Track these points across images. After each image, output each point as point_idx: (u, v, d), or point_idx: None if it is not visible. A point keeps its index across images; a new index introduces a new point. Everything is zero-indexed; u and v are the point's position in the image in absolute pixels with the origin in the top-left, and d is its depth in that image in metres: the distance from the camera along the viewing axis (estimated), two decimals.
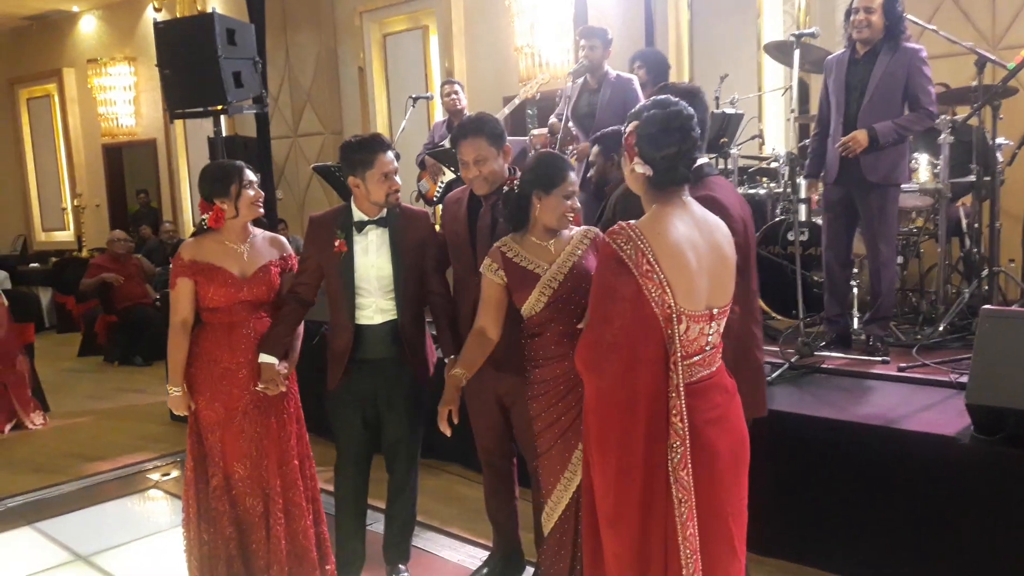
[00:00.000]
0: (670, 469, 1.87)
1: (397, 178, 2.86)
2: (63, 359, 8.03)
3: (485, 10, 7.92)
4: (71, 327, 9.17)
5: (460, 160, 2.79)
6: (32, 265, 10.87)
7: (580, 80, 4.68)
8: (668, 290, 1.85)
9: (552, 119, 4.86)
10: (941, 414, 3.11)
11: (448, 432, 2.63)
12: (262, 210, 2.94)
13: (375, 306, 2.88)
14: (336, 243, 2.85)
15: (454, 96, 5.82)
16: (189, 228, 9.79)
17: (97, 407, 6.19)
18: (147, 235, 9.76)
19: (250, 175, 2.91)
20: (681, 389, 1.87)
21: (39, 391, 5.91)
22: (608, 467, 1.90)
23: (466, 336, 2.72)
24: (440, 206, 5.10)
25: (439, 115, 8.28)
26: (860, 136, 3.71)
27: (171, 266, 2.94)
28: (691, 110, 2.00)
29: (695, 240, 1.92)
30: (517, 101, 5.42)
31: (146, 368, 7.38)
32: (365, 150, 2.81)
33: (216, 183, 2.87)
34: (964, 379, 3.22)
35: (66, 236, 12.05)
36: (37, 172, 12.52)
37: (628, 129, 1.99)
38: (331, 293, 2.92)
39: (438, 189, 5.65)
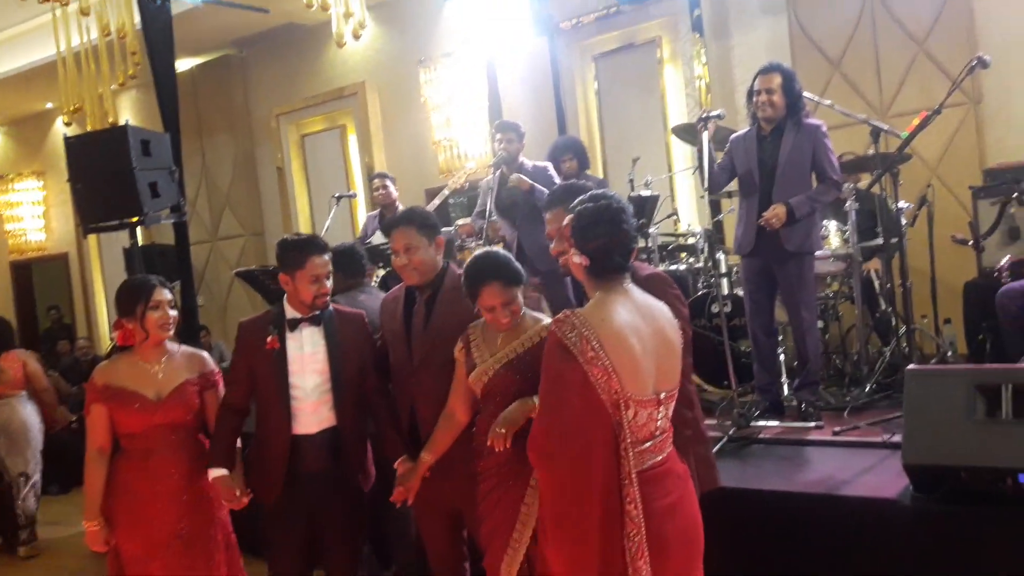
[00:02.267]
0: (628, 559, 1.83)
1: (328, 281, 2.82)
2: None
3: (401, 107, 8.08)
4: None
5: (392, 249, 2.80)
6: None
7: (498, 172, 4.79)
8: (614, 376, 1.86)
9: (469, 219, 4.97)
10: (880, 476, 3.15)
11: (398, 503, 2.64)
12: (170, 332, 2.84)
13: (311, 413, 2.78)
14: (268, 339, 2.77)
15: (383, 191, 5.84)
16: (106, 343, 9.43)
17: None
18: (64, 351, 9.33)
19: (161, 295, 2.81)
20: (633, 476, 1.86)
21: None
22: (563, 556, 1.88)
23: (411, 434, 2.70)
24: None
25: (362, 212, 8.31)
26: (780, 211, 3.86)
27: (86, 391, 2.81)
28: (622, 203, 2.06)
29: (638, 326, 1.95)
30: (447, 192, 5.48)
31: (62, 496, 6.93)
32: (298, 250, 2.79)
33: (122, 302, 2.79)
34: (897, 438, 3.29)
35: None
36: None
37: (565, 222, 2.06)
38: (262, 399, 2.81)
39: (376, 279, 5.60)
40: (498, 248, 2.91)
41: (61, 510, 6.47)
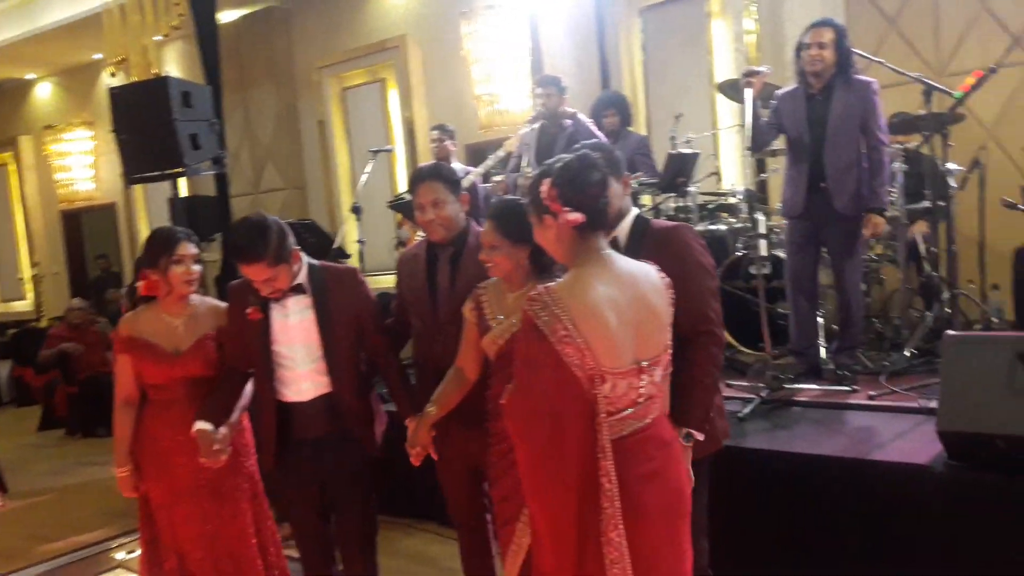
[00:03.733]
0: (601, 530, 1.83)
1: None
2: (23, 434, 7.79)
3: (443, 61, 8.00)
4: (30, 400, 8.90)
5: (416, 204, 2.74)
6: None
7: (537, 126, 4.73)
8: (588, 352, 1.84)
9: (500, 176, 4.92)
10: (914, 442, 3.10)
11: (417, 463, 2.60)
12: (193, 288, 2.81)
13: (304, 380, 2.71)
14: (249, 310, 2.66)
15: (438, 143, 5.82)
16: None
17: (58, 483, 5.99)
18: (114, 298, 9.56)
19: (185, 249, 2.77)
20: (608, 449, 1.85)
21: None
22: (544, 530, 1.89)
23: (422, 393, 2.69)
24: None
25: (401, 167, 8.31)
26: (877, 221, 3.84)
27: (113, 341, 2.86)
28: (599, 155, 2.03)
29: (614, 297, 1.90)
30: (501, 153, 5.41)
31: (109, 439, 7.11)
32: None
33: (147, 253, 2.79)
34: (933, 404, 3.22)
35: (24, 306, 11.80)
36: None
37: (544, 187, 1.96)
38: (253, 367, 2.75)
39: (418, 237, 5.60)
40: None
41: (107, 451, 6.62)
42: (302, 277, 2.71)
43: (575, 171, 1.96)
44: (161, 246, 2.77)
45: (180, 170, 5.27)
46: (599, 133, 4.68)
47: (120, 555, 4.48)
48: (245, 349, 2.74)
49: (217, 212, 6.89)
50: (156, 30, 7.06)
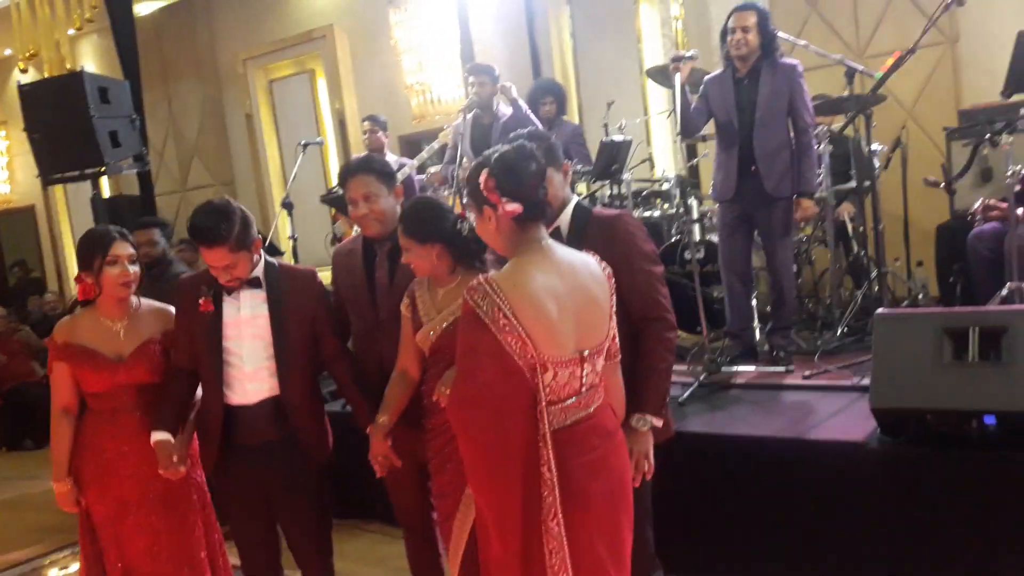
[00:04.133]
0: (541, 519, 1.84)
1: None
2: None
3: (372, 50, 7.87)
4: None
5: (348, 199, 2.68)
6: None
7: (470, 116, 4.69)
8: (528, 342, 1.84)
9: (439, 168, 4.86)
10: (849, 419, 3.17)
11: (383, 474, 2.57)
12: (130, 291, 2.67)
13: (250, 380, 2.61)
14: (201, 300, 2.58)
15: (371, 134, 5.66)
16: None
17: None
18: (35, 305, 9.17)
19: (120, 249, 2.63)
20: (548, 438, 1.86)
21: None
22: (490, 520, 1.88)
23: (379, 397, 2.62)
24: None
25: (333, 159, 8.16)
26: (807, 205, 3.92)
27: (48, 348, 2.70)
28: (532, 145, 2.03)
29: (555, 287, 1.91)
30: (436, 145, 5.35)
31: (37, 452, 6.88)
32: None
33: (80, 255, 2.66)
34: (866, 382, 3.31)
35: None
36: None
37: (482, 179, 1.94)
38: (199, 365, 2.64)
39: (355, 232, 5.48)
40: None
41: (37, 464, 6.43)
42: (259, 271, 2.65)
43: (512, 161, 1.95)
44: (94, 247, 2.63)
45: (100, 169, 5.08)
46: (535, 120, 4.66)
47: (53, 572, 4.33)
48: (194, 347, 2.64)
49: (142, 211, 6.67)
50: (69, 23, 6.77)
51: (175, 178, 9.15)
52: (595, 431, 1.97)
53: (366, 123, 5.81)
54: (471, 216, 2.07)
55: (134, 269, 2.67)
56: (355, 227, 5.47)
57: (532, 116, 4.69)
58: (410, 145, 7.55)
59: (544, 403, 1.86)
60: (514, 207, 1.92)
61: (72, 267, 10.15)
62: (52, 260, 10.46)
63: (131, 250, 2.68)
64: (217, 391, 2.61)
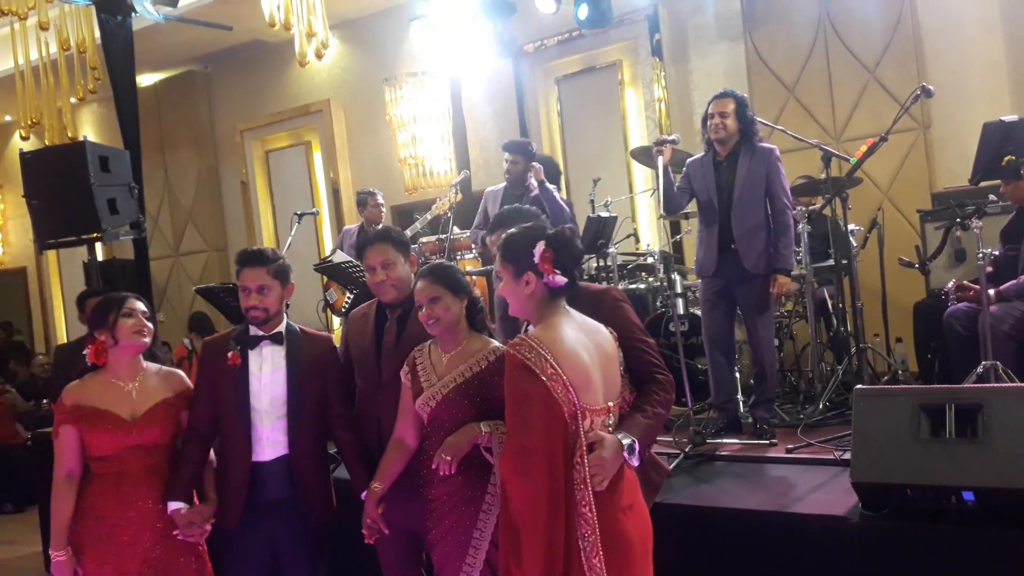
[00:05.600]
0: (583, 558, 1.97)
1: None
2: None
3: (367, 124, 8.09)
4: None
5: (366, 266, 2.80)
6: None
7: (500, 188, 4.87)
8: (571, 389, 2.01)
9: (433, 238, 4.99)
10: (831, 493, 3.21)
11: (371, 540, 2.62)
12: (147, 340, 2.73)
13: (266, 438, 2.72)
14: (230, 354, 2.71)
15: (376, 208, 5.99)
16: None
17: None
18: (15, 370, 9.13)
19: (134, 304, 2.72)
20: (588, 481, 2.01)
21: None
22: (534, 568, 1.95)
23: (376, 459, 2.69)
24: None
25: (327, 229, 8.30)
26: (784, 281, 4.04)
27: (54, 413, 2.70)
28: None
29: (584, 342, 2.11)
30: (429, 216, 5.55)
31: (17, 516, 6.77)
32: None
33: (96, 315, 2.70)
34: (848, 456, 3.37)
35: None
36: None
37: (540, 249, 2.13)
38: (223, 421, 2.73)
39: (346, 300, 5.57)
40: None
41: (16, 529, 6.34)
42: (281, 327, 2.78)
43: (568, 240, 2.18)
44: (109, 305, 2.69)
45: (97, 235, 5.15)
46: (562, 202, 4.82)
47: None
48: (217, 405, 2.72)
49: (136, 276, 6.72)
50: (72, 93, 6.94)
51: (169, 243, 9.24)
52: (623, 479, 2.12)
53: (370, 197, 6.02)
54: (499, 277, 2.23)
55: (149, 324, 2.74)
56: (346, 294, 5.61)
57: (557, 196, 4.86)
58: (402, 215, 7.72)
59: (584, 448, 2.01)
60: (560, 280, 2.12)
61: (61, 330, 10.14)
62: (41, 322, 10.44)
63: (144, 307, 2.75)
64: (245, 445, 2.69)
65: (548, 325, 2.11)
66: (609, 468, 2.07)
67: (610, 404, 2.14)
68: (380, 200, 6.06)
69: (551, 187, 4.94)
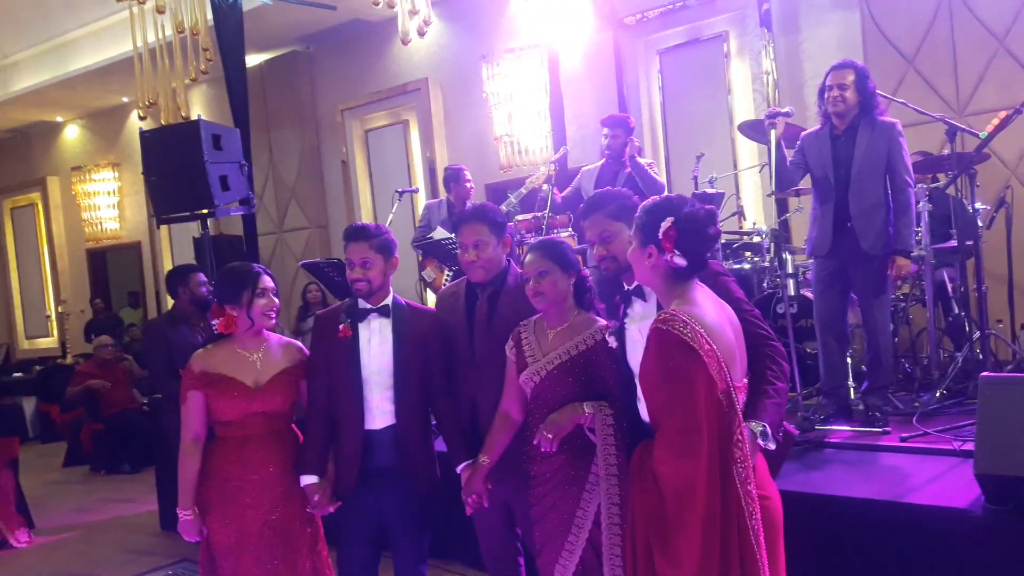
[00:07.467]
0: (752, 537, 1.91)
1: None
2: (48, 471, 7.84)
3: (463, 102, 8.13)
4: (55, 437, 8.98)
5: (459, 243, 2.81)
6: (15, 375, 10.72)
7: (598, 165, 4.83)
8: (724, 366, 1.94)
9: (529, 215, 4.99)
10: (950, 484, 3.06)
11: (472, 512, 2.64)
12: (274, 320, 2.83)
13: (376, 407, 2.79)
14: (341, 327, 2.78)
15: (470, 183, 6.01)
16: None
17: (84, 520, 6.00)
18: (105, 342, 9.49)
19: (266, 282, 2.79)
20: (751, 459, 1.96)
21: (23, 507, 5.73)
22: (692, 548, 1.89)
23: (472, 429, 2.73)
24: None
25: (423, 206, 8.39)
26: (903, 263, 3.87)
27: (182, 379, 2.79)
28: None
29: (724, 317, 2.06)
30: (523, 191, 5.54)
31: (134, 476, 7.20)
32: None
33: (228, 288, 2.77)
34: (968, 446, 3.20)
35: (50, 343, 11.95)
36: (20, 280, 12.50)
37: (665, 226, 2.05)
38: (336, 393, 2.80)
39: (446, 279, 5.62)
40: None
41: (134, 488, 6.74)
42: (388, 300, 2.85)
43: (700, 222, 2.07)
44: (243, 280, 2.76)
45: (209, 211, 5.35)
46: (656, 176, 4.73)
47: None
48: (330, 377, 2.81)
49: (244, 251, 6.97)
50: (185, 74, 7.22)
51: (273, 220, 9.56)
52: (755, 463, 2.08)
53: (463, 173, 6.01)
54: (632, 243, 2.17)
55: (277, 301, 2.84)
56: (446, 273, 5.67)
57: (650, 170, 4.77)
58: (496, 193, 7.72)
59: (743, 426, 1.97)
60: (680, 261, 2.04)
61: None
62: (154, 294, 11.00)
63: (272, 283, 2.84)
64: (358, 415, 2.77)
65: (690, 300, 2.03)
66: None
67: (745, 381, 2.09)
68: (468, 176, 6.04)
69: (645, 161, 4.85)
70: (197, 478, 2.73)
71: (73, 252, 11.93)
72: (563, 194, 5.20)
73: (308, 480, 2.76)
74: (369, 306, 2.84)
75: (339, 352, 2.80)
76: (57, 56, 9.64)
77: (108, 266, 11.82)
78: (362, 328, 2.82)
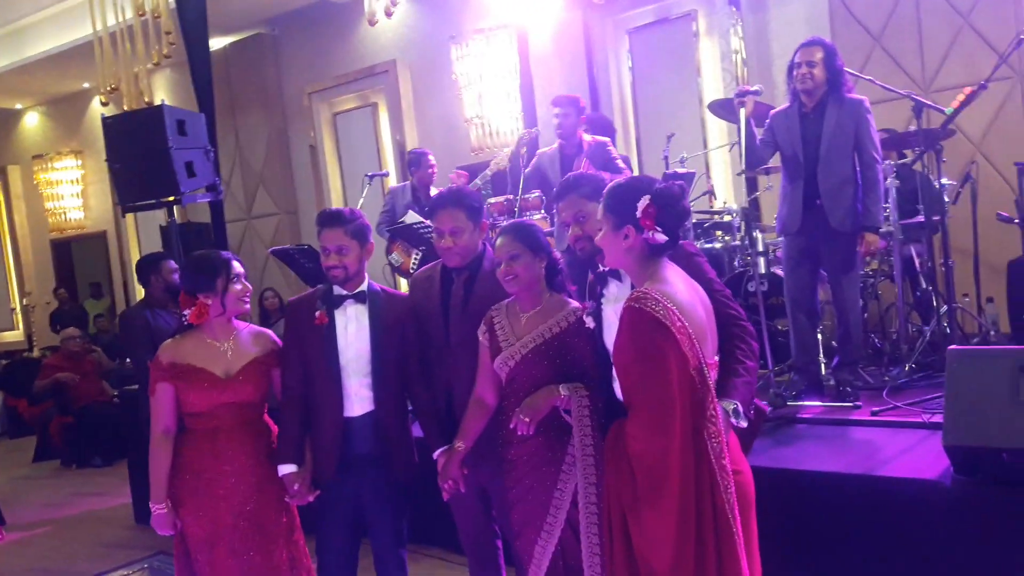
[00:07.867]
0: (727, 509, 1.94)
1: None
2: (17, 466, 7.72)
3: (433, 85, 8.05)
4: (24, 431, 8.82)
5: (435, 230, 2.76)
6: None
7: (556, 147, 4.79)
8: (695, 342, 1.96)
9: (501, 198, 4.96)
10: (920, 457, 3.11)
11: (448, 497, 2.63)
12: (247, 306, 2.79)
13: (355, 394, 2.75)
14: (317, 314, 2.74)
15: (432, 168, 5.89)
16: None
17: (56, 515, 5.92)
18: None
19: (237, 267, 2.76)
20: (724, 435, 1.98)
21: None
22: (667, 524, 1.91)
23: (447, 413, 2.72)
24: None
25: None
26: (872, 239, 3.89)
27: (150, 371, 2.74)
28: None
29: (693, 296, 2.07)
30: (489, 173, 5.49)
31: (106, 469, 7.11)
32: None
33: (200, 276, 2.71)
34: (936, 419, 3.25)
35: (16, 336, 11.72)
36: None
37: (643, 204, 2.06)
38: (313, 380, 2.77)
39: (413, 262, 5.57)
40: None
41: (106, 481, 6.66)
42: (364, 287, 2.81)
43: (674, 198, 2.09)
44: (216, 267, 2.72)
45: (175, 198, 5.26)
46: (617, 156, 4.70)
47: None
48: (305, 365, 2.77)
49: (211, 238, 6.87)
50: (148, 59, 7.08)
51: (241, 206, 9.43)
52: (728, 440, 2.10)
53: (427, 157, 5.94)
54: (601, 228, 2.17)
55: (250, 286, 2.81)
56: (412, 255, 5.63)
57: (614, 151, 4.74)
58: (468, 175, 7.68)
59: (716, 401, 1.99)
60: (661, 237, 2.06)
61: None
62: (121, 285, 10.83)
63: (243, 269, 2.80)
64: (337, 403, 2.74)
65: (660, 279, 2.04)
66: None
67: (716, 358, 2.10)
68: (432, 160, 5.99)
69: (600, 139, 4.81)
70: (169, 470, 2.69)
71: (37, 243, 11.69)
72: (525, 172, 5.17)
73: (287, 470, 2.73)
74: (345, 292, 2.80)
75: (314, 339, 2.76)
76: (14, 41, 9.39)
77: (73, 257, 11.61)
78: (338, 315, 2.78)
